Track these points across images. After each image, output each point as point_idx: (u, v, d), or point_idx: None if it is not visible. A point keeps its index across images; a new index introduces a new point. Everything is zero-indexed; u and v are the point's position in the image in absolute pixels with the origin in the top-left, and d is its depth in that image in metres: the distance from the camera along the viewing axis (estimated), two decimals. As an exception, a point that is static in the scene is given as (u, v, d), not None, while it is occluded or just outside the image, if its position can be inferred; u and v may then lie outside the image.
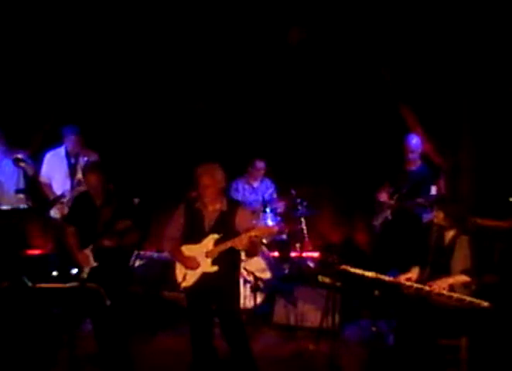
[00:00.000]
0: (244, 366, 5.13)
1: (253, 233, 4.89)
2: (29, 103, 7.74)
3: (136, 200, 6.62)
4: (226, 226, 5.01)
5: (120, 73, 7.92)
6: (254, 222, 5.25)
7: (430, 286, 4.90)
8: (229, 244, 4.93)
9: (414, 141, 6.99)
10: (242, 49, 7.88)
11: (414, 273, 5.16)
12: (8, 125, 7.30)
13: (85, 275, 5.40)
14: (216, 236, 5.00)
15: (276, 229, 5.03)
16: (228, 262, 5.03)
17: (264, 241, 6.85)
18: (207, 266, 5.01)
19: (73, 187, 7.02)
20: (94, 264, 5.44)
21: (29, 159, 7.14)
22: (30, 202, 6.95)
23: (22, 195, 6.96)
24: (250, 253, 5.26)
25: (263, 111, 8.25)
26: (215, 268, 5.00)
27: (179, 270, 5.10)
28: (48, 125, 7.74)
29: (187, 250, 5.08)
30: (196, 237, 5.06)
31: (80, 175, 6.99)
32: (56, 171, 7.23)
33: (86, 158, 7.11)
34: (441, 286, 4.88)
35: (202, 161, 5.14)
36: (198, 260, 5.02)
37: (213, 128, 8.28)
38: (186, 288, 5.08)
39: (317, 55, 7.90)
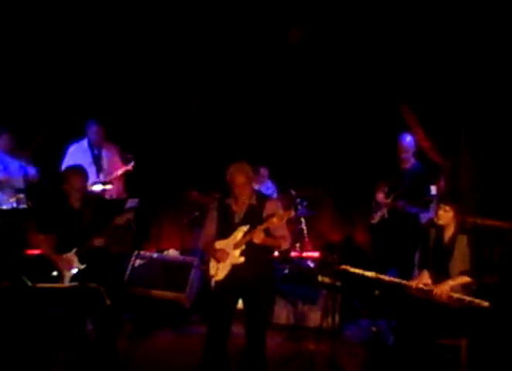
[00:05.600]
0: (256, 366, 5.09)
1: (264, 226, 4.90)
2: (30, 104, 7.75)
3: (135, 200, 6.65)
4: (254, 219, 5.01)
5: (118, 75, 7.94)
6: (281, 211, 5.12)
7: (433, 291, 4.88)
8: (247, 237, 4.94)
9: (408, 139, 6.98)
10: (241, 49, 7.89)
11: (426, 277, 5.07)
12: (9, 125, 7.31)
13: (67, 281, 5.28)
14: (244, 228, 5.01)
15: (288, 213, 4.92)
16: (256, 254, 4.98)
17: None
18: (235, 257, 5.01)
19: (98, 177, 7.32)
20: (81, 267, 5.32)
21: (32, 168, 7.18)
22: (30, 202, 6.97)
23: (22, 195, 6.98)
24: (276, 247, 5.21)
25: (263, 111, 8.25)
26: (242, 259, 4.98)
27: (212, 265, 5.12)
28: (48, 126, 7.75)
29: (218, 244, 5.10)
30: (227, 232, 5.09)
31: (105, 166, 7.43)
32: (80, 162, 7.23)
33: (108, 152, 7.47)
34: (443, 290, 4.86)
35: (201, 162, 5.12)
36: (227, 251, 5.03)
37: (212, 128, 8.28)
38: (217, 282, 5.06)
39: (317, 55, 7.90)
